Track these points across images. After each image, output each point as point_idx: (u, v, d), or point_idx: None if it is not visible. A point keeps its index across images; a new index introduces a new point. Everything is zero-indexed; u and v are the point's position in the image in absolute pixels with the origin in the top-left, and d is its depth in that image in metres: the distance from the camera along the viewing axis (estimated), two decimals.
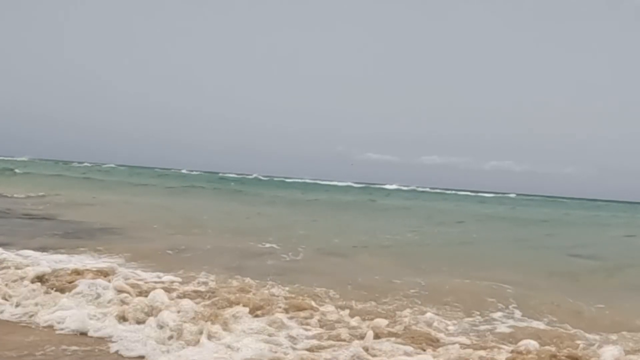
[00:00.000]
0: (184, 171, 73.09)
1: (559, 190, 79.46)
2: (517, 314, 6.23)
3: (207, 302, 5.18)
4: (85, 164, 69.54)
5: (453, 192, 59.12)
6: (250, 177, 67.64)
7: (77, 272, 5.72)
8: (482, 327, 5.53)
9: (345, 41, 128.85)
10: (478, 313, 6.11)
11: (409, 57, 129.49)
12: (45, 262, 6.83)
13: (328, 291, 6.58)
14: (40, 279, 5.61)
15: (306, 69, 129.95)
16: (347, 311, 5.48)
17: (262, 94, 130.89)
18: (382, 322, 4.89)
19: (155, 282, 6.13)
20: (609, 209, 44.05)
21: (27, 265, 6.21)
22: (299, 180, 62.57)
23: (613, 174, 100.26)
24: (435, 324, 5.29)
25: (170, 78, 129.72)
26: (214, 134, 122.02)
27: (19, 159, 63.00)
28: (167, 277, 6.55)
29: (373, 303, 6.21)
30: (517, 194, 64.82)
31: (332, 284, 7.00)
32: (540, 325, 5.74)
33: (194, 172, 70.11)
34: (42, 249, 8.19)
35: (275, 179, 67.00)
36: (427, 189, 59.64)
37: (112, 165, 69.92)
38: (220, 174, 66.12)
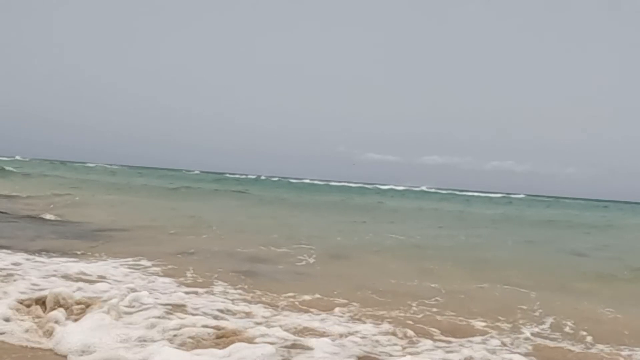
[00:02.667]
0: (185, 171, 72.84)
1: (560, 191, 78.95)
2: (551, 326, 5.83)
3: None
4: (88, 164, 69.29)
5: (458, 192, 58.55)
6: (252, 177, 67.35)
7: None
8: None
9: (346, 42, 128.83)
10: (519, 327, 5.71)
11: (410, 57, 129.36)
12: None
13: (349, 299, 6.26)
14: None
15: (306, 69, 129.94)
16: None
17: (263, 95, 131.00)
18: None
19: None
20: (615, 209, 43.67)
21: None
22: (306, 181, 62.20)
23: (614, 175, 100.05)
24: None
25: (171, 79, 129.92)
26: (215, 134, 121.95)
27: (16, 158, 62.76)
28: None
29: (399, 313, 5.85)
30: (525, 195, 64.31)
31: (350, 290, 6.74)
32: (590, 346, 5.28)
33: (197, 172, 69.86)
34: (48, 252, 7.85)
35: (278, 179, 66.60)
36: (440, 191, 58.82)
37: (115, 166, 69.69)
38: (223, 174, 65.80)
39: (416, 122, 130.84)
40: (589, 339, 5.35)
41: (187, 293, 5.92)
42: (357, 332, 4.92)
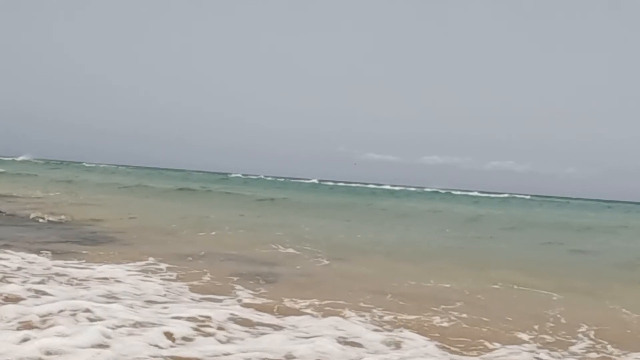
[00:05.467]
0: (190, 171, 72.51)
1: (561, 191, 78.35)
2: (587, 334, 5.56)
3: None
4: (92, 164, 68.92)
5: (468, 193, 57.83)
6: (254, 177, 67.08)
7: None
8: None
9: (347, 42, 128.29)
10: (550, 335, 5.42)
11: (410, 57, 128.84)
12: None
13: (373, 304, 6.02)
14: None
15: (307, 69, 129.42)
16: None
17: (264, 95, 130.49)
18: None
19: None
20: (620, 209, 43.31)
21: None
22: (307, 181, 61.87)
23: (614, 175, 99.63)
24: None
25: (176, 78, 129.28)
26: (216, 134, 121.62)
27: (20, 159, 62.48)
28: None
29: (429, 320, 5.59)
30: (531, 195, 63.77)
31: (371, 294, 6.53)
32: None
33: (199, 172, 69.57)
34: (56, 254, 7.59)
35: (283, 180, 66.23)
36: (451, 192, 58.11)
37: (118, 166, 69.46)
38: (221, 174, 65.38)
39: (416, 122, 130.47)
40: (624, 347, 5.10)
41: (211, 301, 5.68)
42: (401, 344, 4.64)
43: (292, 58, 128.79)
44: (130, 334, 4.20)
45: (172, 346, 4.10)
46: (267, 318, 5.15)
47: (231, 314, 5.11)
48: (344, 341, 4.56)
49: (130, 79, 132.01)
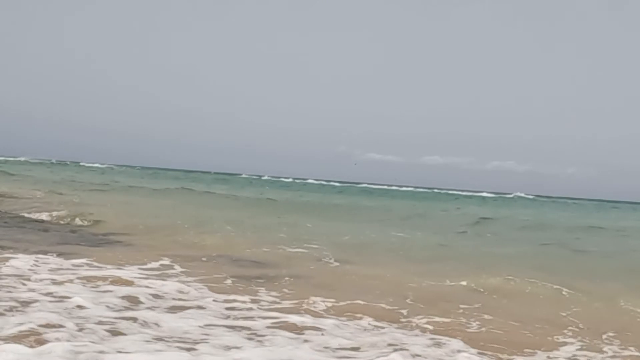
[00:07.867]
0: (189, 171, 72.42)
1: (562, 191, 78.19)
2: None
3: None
4: (85, 164, 68.68)
5: (473, 193, 57.52)
6: (255, 177, 66.90)
7: None
8: None
9: (348, 42, 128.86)
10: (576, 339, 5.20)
11: (411, 57, 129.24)
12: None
13: (397, 307, 5.88)
14: None
15: (308, 69, 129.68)
16: None
17: (264, 95, 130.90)
18: None
19: None
20: (628, 210, 43.00)
21: None
22: (309, 182, 61.71)
23: (616, 175, 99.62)
24: None
25: (178, 77, 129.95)
26: (216, 134, 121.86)
27: (18, 158, 62.35)
28: None
29: (455, 323, 5.41)
30: (534, 195, 63.47)
31: (390, 296, 6.38)
32: None
33: (199, 172, 69.44)
34: (66, 256, 7.37)
35: (289, 179, 66.02)
36: (457, 192, 57.66)
37: (121, 167, 69.36)
38: (221, 174, 65.20)
39: (417, 122, 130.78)
40: None
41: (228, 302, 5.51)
42: (446, 350, 4.48)
43: (293, 58, 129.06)
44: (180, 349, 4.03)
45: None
46: (307, 322, 5.02)
47: (271, 318, 5.03)
48: (394, 348, 4.43)
49: (131, 78, 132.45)
